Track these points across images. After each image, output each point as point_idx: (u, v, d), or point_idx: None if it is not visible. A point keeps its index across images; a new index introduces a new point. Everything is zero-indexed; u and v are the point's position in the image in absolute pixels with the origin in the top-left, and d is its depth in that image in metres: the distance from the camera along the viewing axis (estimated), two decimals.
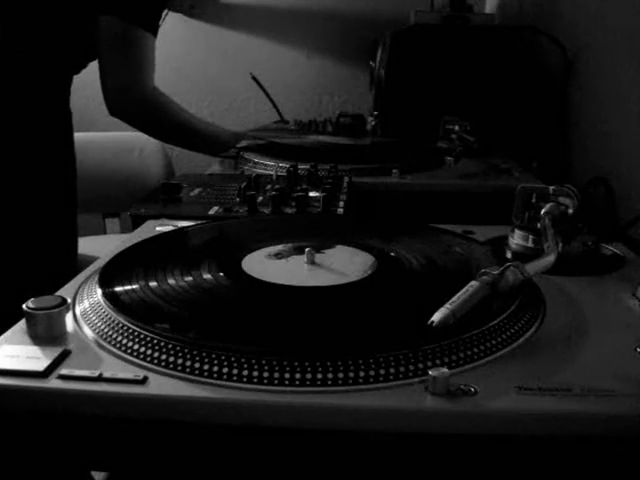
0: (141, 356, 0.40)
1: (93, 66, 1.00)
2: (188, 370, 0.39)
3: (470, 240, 0.64)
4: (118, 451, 0.40)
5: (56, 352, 0.41)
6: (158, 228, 0.69)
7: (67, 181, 1.01)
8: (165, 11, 1.02)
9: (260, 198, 0.79)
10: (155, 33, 0.99)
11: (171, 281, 0.50)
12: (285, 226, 0.71)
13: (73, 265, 1.01)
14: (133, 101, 0.99)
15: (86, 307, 0.47)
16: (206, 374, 0.38)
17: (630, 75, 0.94)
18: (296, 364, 0.38)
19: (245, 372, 0.38)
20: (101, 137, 1.71)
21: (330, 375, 0.38)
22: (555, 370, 0.40)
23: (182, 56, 2.04)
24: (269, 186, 0.86)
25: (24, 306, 0.44)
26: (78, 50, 1.00)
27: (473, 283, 0.45)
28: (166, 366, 0.39)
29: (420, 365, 0.39)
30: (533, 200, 0.63)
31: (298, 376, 0.38)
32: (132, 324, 0.43)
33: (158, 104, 1.02)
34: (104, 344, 0.42)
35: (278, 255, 0.58)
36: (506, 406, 0.37)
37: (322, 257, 0.57)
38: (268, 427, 0.37)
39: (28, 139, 0.94)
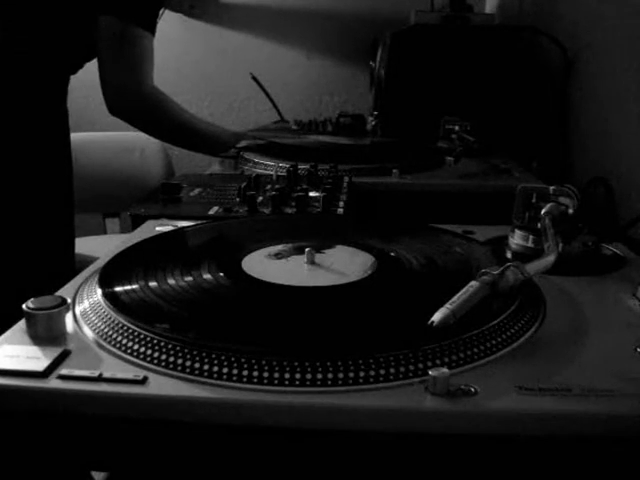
0: (141, 356, 0.40)
1: (93, 66, 1.00)
2: (188, 370, 0.39)
3: (470, 240, 0.64)
4: (118, 451, 0.40)
5: (56, 352, 0.41)
6: (158, 228, 0.69)
7: (64, 180, 1.01)
8: (162, 9, 1.02)
9: (260, 198, 0.79)
10: (153, 32, 0.99)
11: (171, 281, 0.50)
12: (285, 226, 0.71)
13: (71, 265, 1.01)
14: (133, 100, 0.99)
15: (86, 307, 0.47)
16: (206, 374, 0.38)
17: (630, 75, 0.94)
18: (296, 364, 0.38)
19: (245, 372, 0.38)
20: (102, 137, 1.71)
21: (330, 375, 0.38)
22: (555, 370, 0.40)
23: (182, 56, 2.04)
24: (269, 186, 0.86)
25: (24, 306, 0.44)
26: (77, 50, 1.00)
27: (473, 283, 0.45)
28: (166, 366, 0.39)
29: (420, 365, 0.39)
30: (533, 200, 0.63)
31: (298, 376, 0.38)
32: (132, 324, 0.43)
33: (158, 102, 1.02)
34: (104, 344, 0.42)
35: (278, 255, 0.58)
36: (506, 406, 0.37)
37: (322, 257, 0.57)
38: (268, 427, 0.37)
39: (26, 138, 0.95)
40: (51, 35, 0.95)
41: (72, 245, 1.04)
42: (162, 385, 0.38)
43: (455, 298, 0.43)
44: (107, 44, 0.95)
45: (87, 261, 0.60)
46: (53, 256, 0.98)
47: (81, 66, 1.04)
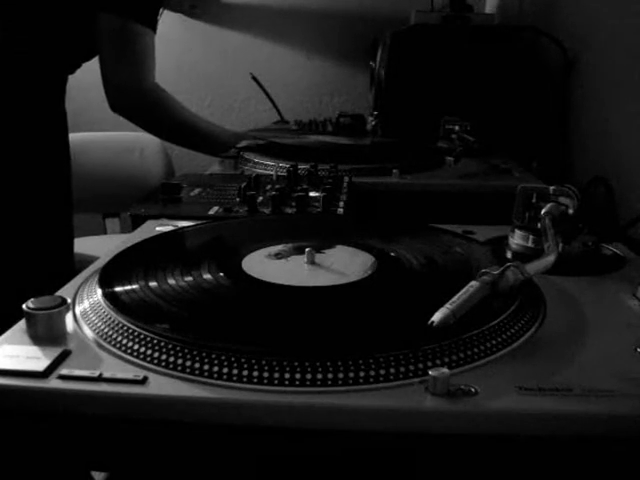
0: (141, 356, 0.40)
1: (93, 65, 1.00)
2: (188, 370, 0.39)
3: (470, 240, 0.64)
4: (118, 451, 0.40)
5: (56, 352, 0.41)
6: (158, 228, 0.69)
7: (63, 180, 1.01)
8: (162, 9, 1.02)
9: (260, 198, 0.79)
10: (154, 29, 0.99)
11: (171, 281, 0.50)
12: (285, 226, 0.71)
13: (71, 265, 1.01)
14: (134, 97, 0.99)
15: (86, 307, 0.47)
16: (206, 374, 0.38)
17: (630, 75, 0.94)
18: (296, 364, 0.38)
19: (245, 372, 0.38)
20: (102, 137, 1.71)
21: (330, 375, 0.38)
22: (555, 370, 0.40)
23: (182, 56, 2.04)
24: (269, 186, 0.86)
25: (24, 306, 0.44)
26: (76, 49, 1.00)
27: (473, 283, 0.45)
28: (166, 366, 0.39)
29: (420, 365, 0.39)
30: (533, 200, 0.63)
31: (298, 376, 0.38)
32: (132, 324, 0.43)
33: (159, 100, 1.02)
34: (104, 344, 0.42)
35: (278, 255, 0.58)
36: (506, 406, 0.37)
37: (322, 257, 0.57)
38: (268, 427, 0.37)
39: (24, 138, 0.95)
40: (51, 35, 0.95)
41: (72, 245, 1.04)
42: (162, 385, 0.38)
43: (455, 298, 0.43)
44: (108, 41, 0.95)
45: (87, 261, 0.60)
46: (53, 256, 0.99)
47: (79, 66, 1.04)
